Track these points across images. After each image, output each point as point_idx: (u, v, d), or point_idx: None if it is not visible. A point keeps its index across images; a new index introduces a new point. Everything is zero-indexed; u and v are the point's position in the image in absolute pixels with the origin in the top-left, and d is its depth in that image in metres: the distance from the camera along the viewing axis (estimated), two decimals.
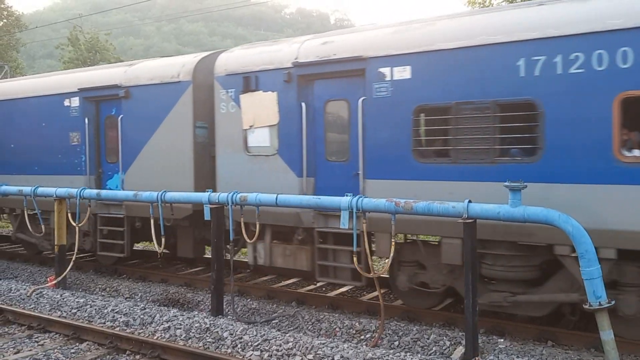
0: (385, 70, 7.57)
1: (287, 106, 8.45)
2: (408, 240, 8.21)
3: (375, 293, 9.04)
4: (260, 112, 8.73)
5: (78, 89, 11.08)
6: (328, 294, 9.54)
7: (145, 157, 10.10)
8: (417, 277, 7.92)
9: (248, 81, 8.79)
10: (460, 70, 7.00)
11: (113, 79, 10.68)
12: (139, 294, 9.71)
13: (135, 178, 10.24)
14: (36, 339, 7.33)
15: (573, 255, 6.10)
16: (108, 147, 11.07)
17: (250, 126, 8.83)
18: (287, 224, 8.45)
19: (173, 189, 8.77)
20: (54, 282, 9.80)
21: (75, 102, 11.15)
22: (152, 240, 9.26)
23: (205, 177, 9.59)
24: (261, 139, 8.77)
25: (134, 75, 10.42)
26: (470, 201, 6.07)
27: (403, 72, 7.44)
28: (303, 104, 8.32)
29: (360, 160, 7.84)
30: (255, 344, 6.48)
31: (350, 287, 10.01)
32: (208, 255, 11.70)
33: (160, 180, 9.65)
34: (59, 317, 8.00)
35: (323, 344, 6.28)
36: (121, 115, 10.47)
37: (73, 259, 9.94)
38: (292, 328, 7.72)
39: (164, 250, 9.14)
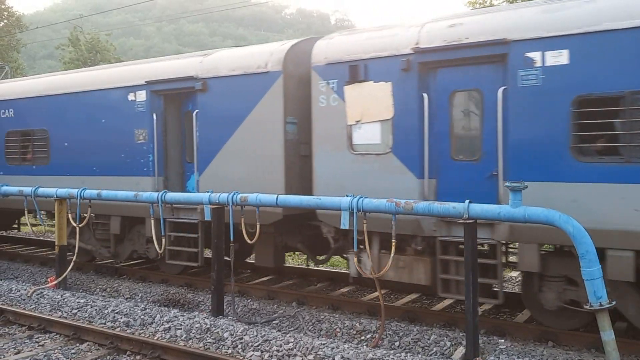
0: (535, 55, 6.59)
1: (404, 98, 7.50)
2: (550, 250, 7.34)
3: (376, 293, 9.03)
4: (369, 105, 7.78)
5: (145, 82, 10.03)
6: (328, 295, 9.53)
7: (225, 156, 9.13)
8: (565, 295, 6.89)
9: (355, 70, 7.82)
10: (637, 54, 6.03)
11: (187, 70, 9.64)
12: (140, 295, 9.71)
13: (212, 180, 9.22)
14: (37, 340, 7.33)
15: None
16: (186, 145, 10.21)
17: (357, 121, 7.90)
18: (403, 231, 7.34)
19: (260, 192, 7.82)
20: (54, 282, 9.80)
21: (141, 95, 10.10)
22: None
23: (295, 178, 8.69)
24: (370, 135, 7.81)
25: (212, 66, 9.37)
26: (470, 201, 6.06)
27: (559, 57, 6.47)
28: (425, 95, 7.36)
29: (500, 160, 6.93)
30: (256, 344, 6.48)
31: (351, 287, 10.02)
32: (289, 264, 11.30)
33: (243, 182, 8.72)
34: (60, 317, 8.00)
35: (324, 344, 6.28)
36: (196, 111, 9.46)
37: (73, 259, 9.93)
38: (292, 328, 7.72)
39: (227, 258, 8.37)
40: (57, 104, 11.48)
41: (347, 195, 6.91)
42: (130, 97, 10.23)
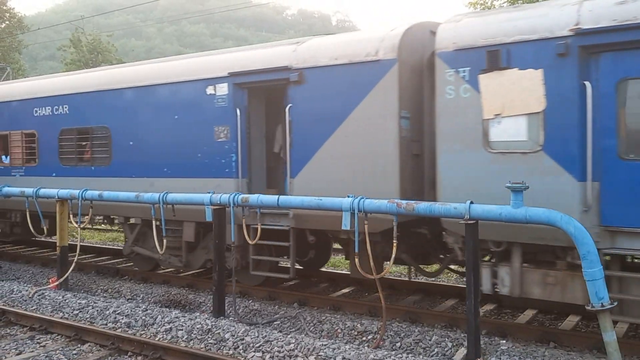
0: None
1: (560, 87, 6.50)
2: None
3: (377, 294, 9.01)
4: (513, 96, 6.78)
5: (228, 74, 8.99)
6: (330, 296, 9.53)
7: (325, 157, 8.12)
8: None
9: (494, 57, 6.82)
10: None
11: (279, 60, 8.62)
12: (141, 295, 9.71)
13: (308, 183, 8.22)
14: (38, 340, 7.33)
15: None
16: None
17: (496, 115, 6.87)
18: (544, 241, 6.54)
19: (369, 197, 6.92)
20: (55, 283, 9.80)
21: (222, 89, 9.05)
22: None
23: (409, 180, 7.69)
24: (513, 131, 6.80)
25: (309, 55, 8.35)
26: (472, 202, 6.06)
27: None
28: (587, 84, 6.35)
29: None
30: (257, 345, 6.48)
31: (352, 288, 10.02)
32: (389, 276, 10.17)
33: (346, 186, 7.67)
34: (61, 318, 8.01)
35: (325, 345, 6.28)
36: (289, 105, 8.43)
37: (75, 260, 9.94)
38: (293, 329, 7.72)
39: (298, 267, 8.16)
40: (121, 99, 10.43)
41: (348, 196, 6.91)
42: (209, 90, 9.20)
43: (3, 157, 12.53)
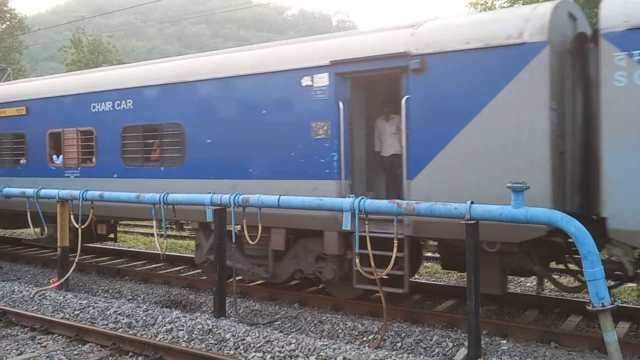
0: None
1: None
2: None
3: (378, 294, 9.01)
4: None
5: (330, 62, 7.99)
6: (330, 296, 9.52)
7: (453, 154, 7.09)
8: None
9: None
10: None
11: (394, 46, 7.60)
12: (142, 296, 9.72)
13: (431, 185, 7.21)
14: (39, 341, 7.34)
15: None
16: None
17: None
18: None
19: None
20: (56, 283, 9.80)
21: (321, 80, 8.07)
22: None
23: (558, 182, 6.71)
24: None
25: (433, 39, 7.34)
26: (472, 202, 6.05)
27: None
28: None
29: None
30: (258, 345, 6.48)
31: None
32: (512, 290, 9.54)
33: (481, 190, 6.76)
34: (62, 318, 8.01)
35: (326, 345, 6.28)
36: (407, 97, 7.45)
37: (76, 260, 9.94)
38: (294, 329, 7.72)
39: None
40: (197, 93, 9.37)
41: (348, 196, 6.91)
42: (305, 81, 8.20)
43: (54, 157, 11.56)
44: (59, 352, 6.85)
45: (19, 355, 6.79)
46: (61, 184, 10.88)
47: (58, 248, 9.99)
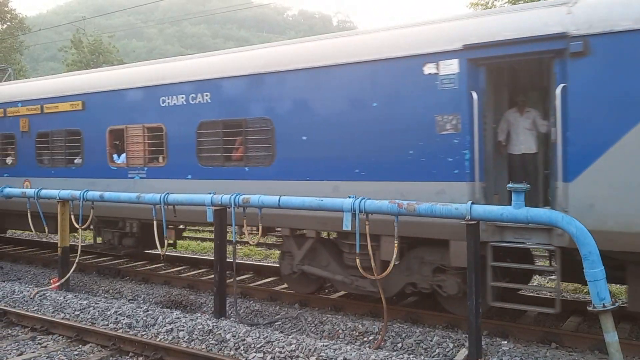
0: None
1: None
2: None
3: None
4: None
5: (463, 46, 6.99)
6: (331, 296, 9.52)
7: (626, 154, 6.13)
8: None
9: None
10: None
11: (545, 26, 6.57)
12: (142, 296, 9.72)
13: (598, 188, 6.23)
14: (39, 341, 7.33)
15: None
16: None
17: None
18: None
19: None
20: (57, 284, 9.80)
21: (450, 67, 7.07)
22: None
23: None
24: None
25: (598, 17, 6.31)
26: (473, 203, 6.05)
27: None
28: None
29: None
30: (258, 345, 6.47)
31: None
32: None
33: None
34: (62, 319, 8.01)
35: (326, 345, 6.28)
36: (563, 85, 6.46)
37: (76, 260, 9.94)
38: (295, 330, 7.71)
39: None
40: (289, 84, 8.41)
41: (349, 197, 6.90)
42: (428, 69, 7.23)
43: (115, 156, 10.67)
44: (59, 352, 6.85)
45: (19, 355, 6.79)
46: (124, 185, 10.15)
47: (58, 248, 9.99)
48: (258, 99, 8.68)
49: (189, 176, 9.44)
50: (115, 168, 10.50)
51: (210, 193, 8.07)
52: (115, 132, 10.55)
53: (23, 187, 11.53)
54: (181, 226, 11.20)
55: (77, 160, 11.17)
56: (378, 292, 7.47)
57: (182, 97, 9.51)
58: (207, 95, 9.24)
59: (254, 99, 8.73)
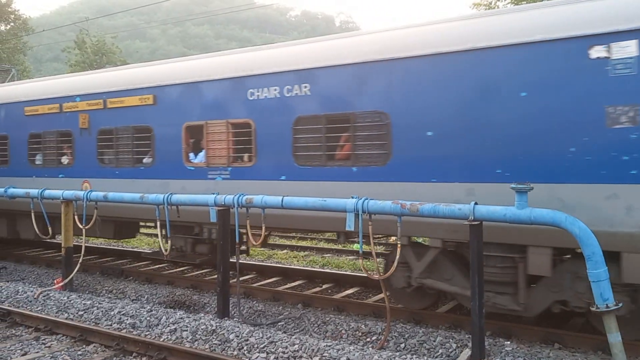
0: None
1: None
2: None
3: (381, 295, 9.01)
4: None
5: None
6: (334, 297, 9.53)
7: None
8: None
9: None
10: None
11: None
12: (145, 296, 9.74)
13: None
14: (43, 341, 7.36)
15: None
16: None
17: None
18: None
19: None
20: (61, 284, 9.83)
21: (625, 49, 6.08)
22: None
23: None
24: None
25: None
26: (476, 203, 6.05)
27: None
28: None
29: None
30: (262, 346, 6.48)
31: (356, 289, 10.01)
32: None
33: None
34: (66, 319, 8.03)
35: (329, 346, 6.28)
36: None
37: (80, 261, 9.97)
38: (298, 330, 7.72)
39: None
40: (410, 73, 7.45)
41: (352, 197, 6.90)
42: (596, 52, 6.25)
43: (192, 155, 9.63)
44: (63, 352, 6.87)
45: (23, 355, 6.81)
46: (203, 187, 9.14)
47: (62, 249, 10.02)
48: (370, 91, 7.71)
49: (283, 177, 8.50)
50: (193, 168, 9.50)
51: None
52: (192, 128, 9.53)
53: (81, 189, 10.69)
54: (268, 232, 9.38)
55: (147, 160, 10.21)
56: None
57: (275, 90, 8.57)
58: (305, 87, 8.30)
59: (364, 91, 7.76)
